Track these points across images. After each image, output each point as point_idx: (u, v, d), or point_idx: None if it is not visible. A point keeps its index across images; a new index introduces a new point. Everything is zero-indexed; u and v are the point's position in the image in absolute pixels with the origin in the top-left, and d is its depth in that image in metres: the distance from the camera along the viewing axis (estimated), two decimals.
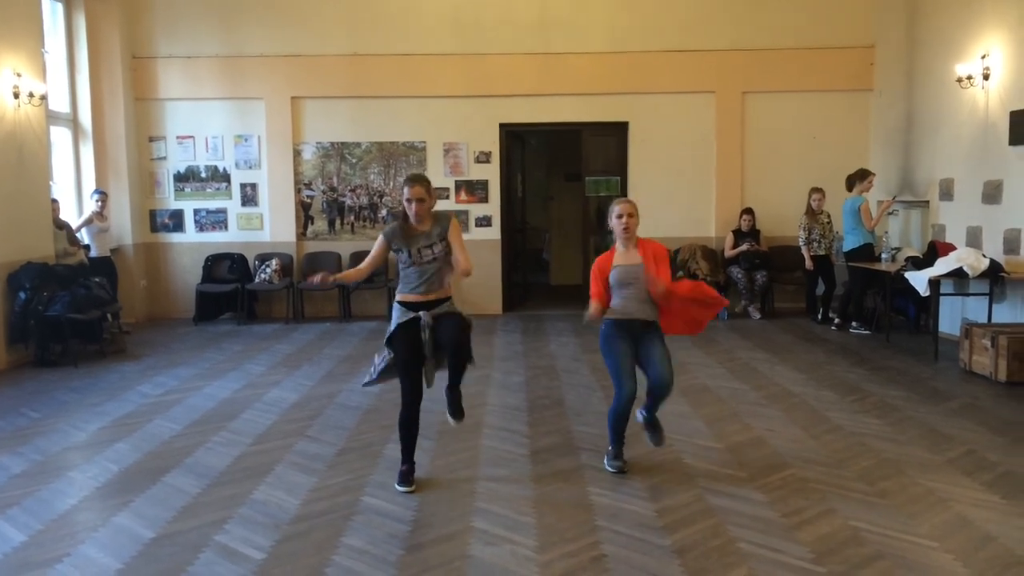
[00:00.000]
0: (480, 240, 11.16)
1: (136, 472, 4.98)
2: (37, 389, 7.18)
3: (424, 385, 4.69)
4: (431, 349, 4.64)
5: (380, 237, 4.70)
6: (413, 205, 4.57)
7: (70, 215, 9.89)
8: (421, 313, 4.61)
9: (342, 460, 5.12)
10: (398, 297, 4.74)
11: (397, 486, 4.58)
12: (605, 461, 4.89)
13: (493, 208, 11.19)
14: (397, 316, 4.70)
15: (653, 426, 4.93)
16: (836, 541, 3.84)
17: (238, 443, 5.52)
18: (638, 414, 4.94)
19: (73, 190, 10.31)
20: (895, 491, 4.48)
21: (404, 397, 4.62)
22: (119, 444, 5.54)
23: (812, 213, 10.01)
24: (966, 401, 6.36)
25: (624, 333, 4.76)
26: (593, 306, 4.73)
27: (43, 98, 8.95)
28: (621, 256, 4.81)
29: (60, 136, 10.11)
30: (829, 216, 10.08)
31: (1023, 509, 4.20)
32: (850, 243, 9.43)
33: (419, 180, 4.64)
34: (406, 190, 4.59)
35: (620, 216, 4.79)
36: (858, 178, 9.49)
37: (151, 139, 11.05)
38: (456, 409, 4.80)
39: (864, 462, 4.95)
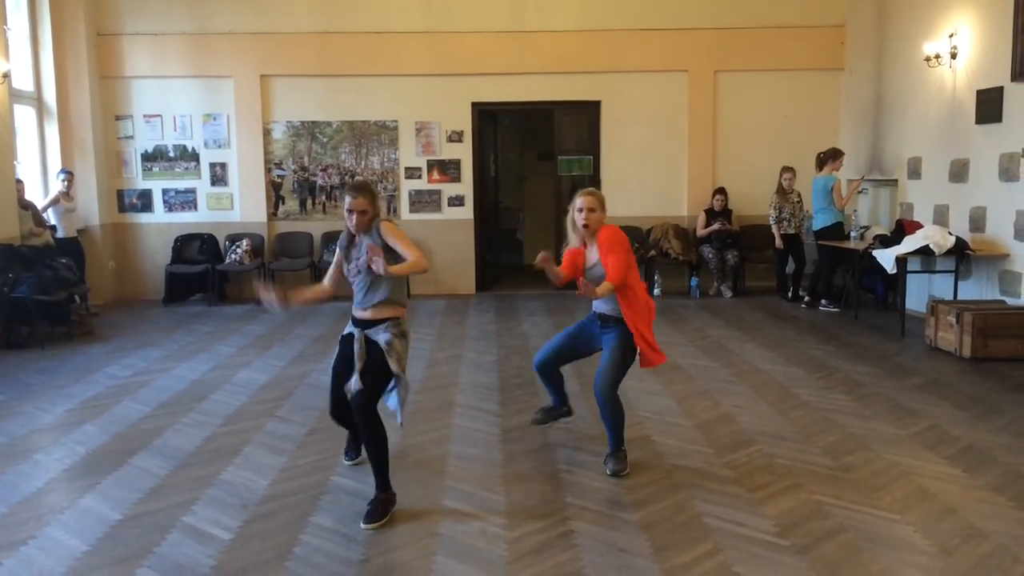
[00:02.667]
0: (453, 220, 11.13)
1: (103, 454, 4.94)
2: (3, 371, 7.08)
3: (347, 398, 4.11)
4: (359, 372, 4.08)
5: (337, 248, 4.30)
6: (354, 217, 4.07)
7: (35, 195, 9.72)
8: (355, 330, 4.17)
9: (312, 440, 5.11)
10: None
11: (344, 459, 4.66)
12: None
13: (466, 188, 11.15)
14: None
15: (612, 456, 4.53)
16: (800, 515, 3.90)
17: (207, 424, 5.49)
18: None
19: (38, 170, 10.14)
20: (859, 465, 4.54)
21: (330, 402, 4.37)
22: (86, 426, 5.49)
23: (783, 192, 10.07)
24: (931, 377, 6.46)
25: (587, 323, 4.71)
26: (551, 266, 4.37)
27: (6, 76, 8.78)
28: (590, 253, 4.57)
29: (24, 115, 9.92)
30: (799, 195, 10.14)
31: (983, 482, 4.29)
32: (821, 222, 9.50)
33: (361, 190, 4.10)
34: (347, 199, 4.07)
35: (580, 209, 4.52)
36: (830, 157, 9.53)
37: (118, 118, 10.88)
38: (369, 512, 3.93)
39: (830, 437, 5.02)
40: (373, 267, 3.85)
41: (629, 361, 4.57)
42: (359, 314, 4.16)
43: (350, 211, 4.07)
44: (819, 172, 9.59)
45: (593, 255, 4.56)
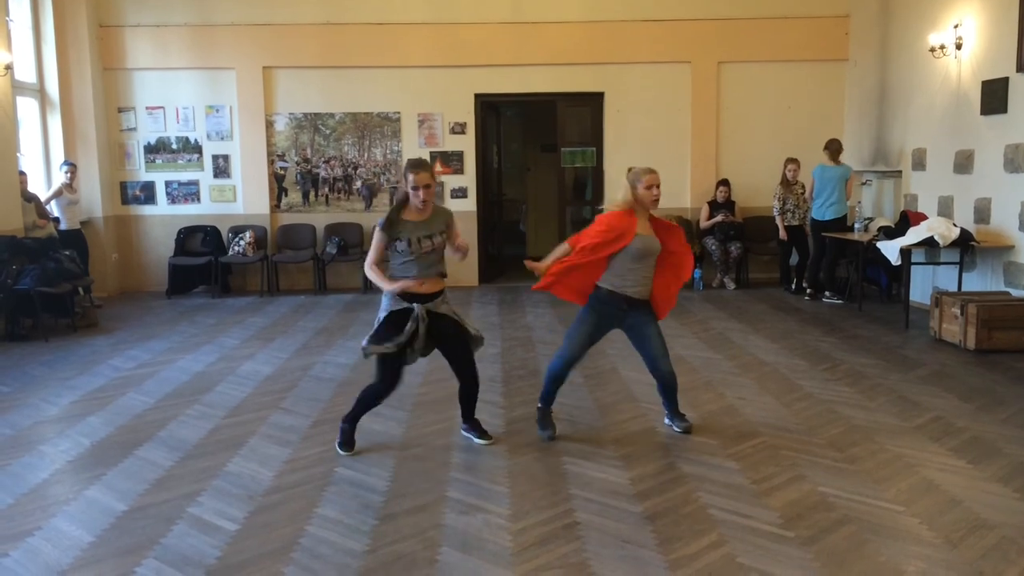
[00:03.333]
0: (456, 212, 10.94)
1: (108, 445, 4.95)
2: (7, 363, 7.09)
3: (401, 377, 4.65)
4: (423, 345, 4.54)
5: (377, 232, 4.51)
6: (420, 192, 4.40)
7: (38, 187, 9.73)
8: (415, 305, 4.48)
9: (316, 432, 5.12)
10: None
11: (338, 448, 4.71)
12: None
13: (469, 179, 11.14)
14: (387, 305, 4.53)
15: (679, 415, 5.01)
16: (805, 506, 3.90)
17: (212, 416, 5.50)
18: (666, 421, 5.06)
19: (41, 162, 10.14)
20: (864, 457, 4.54)
21: (378, 384, 4.60)
22: (91, 418, 5.50)
23: (787, 183, 10.04)
24: (935, 369, 6.45)
25: (605, 309, 4.78)
26: (553, 259, 4.79)
27: (8, 68, 8.77)
28: (643, 226, 4.74)
29: (27, 107, 9.92)
30: (803, 186, 10.12)
31: (988, 474, 4.28)
32: (833, 212, 9.43)
33: (425, 166, 4.46)
34: (411, 177, 4.38)
35: (654, 186, 4.72)
36: (841, 148, 9.54)
37: (120, 110, 10.87)
38: (482, 431, 4.86)
39: (834, 429, 5.02)
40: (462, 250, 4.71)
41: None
42: (418, 289, 4.49)
43: (415, 187, 4.38)
44: (832, 162, 9.54)
45: (645, 227, 4.74)
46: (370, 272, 4.57)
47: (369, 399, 4.67)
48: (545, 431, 4.93)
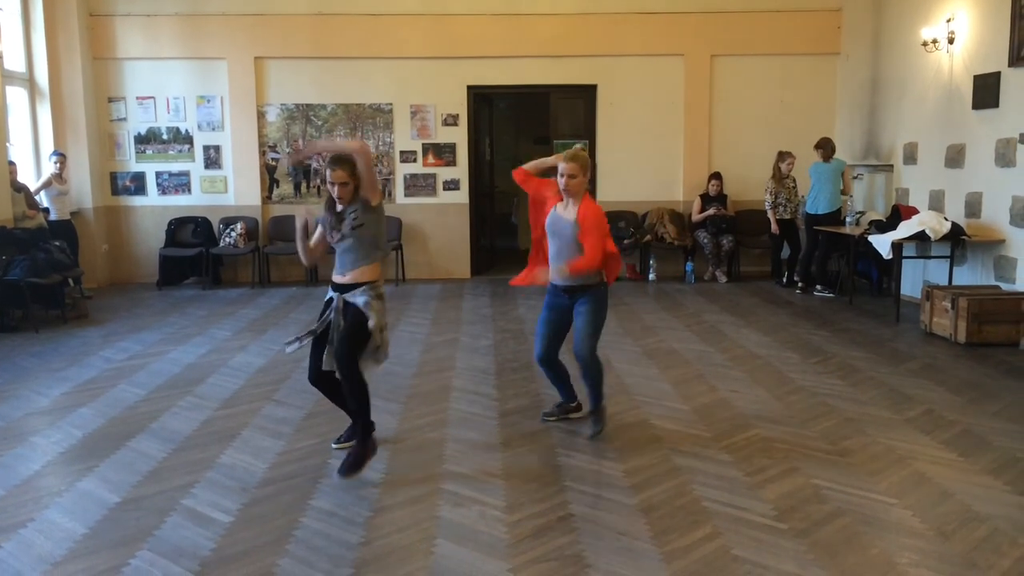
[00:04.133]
0: (448, 204, 11.11)
1: (100, 437, 4.93)
2: None
3: (322, 365, 4.42)
4: (336, 335, 4.34)
5: (319, 224, 4.50)
6: (336, 189, 4.26)
7: (28, 178, 9.66)
8: (334, 295, 4.39)
9: (309, 424, 5.11)
10: None
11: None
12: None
13: (461, 172, 11.11)
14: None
15: (593, 413, 4.87)
16: (798, 499, 3.92)
17: (204, 408, 5.48)
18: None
19: (31, 152, 10.07)
20: (856, 450, 4.57)
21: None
22: (83, 409, 5.47)
23: (779, 177, 10.06)
24: (926, 362, 6.48)
25: (554, 300, 4.81)
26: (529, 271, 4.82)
27: None
28: (567, 207, 4.70)
29: (16, 96, 9.84)
30: (795, 180, 10.14)
31: (980, 466, 4.31)
32: (826, 206, 9.45)
33: (342, 163, 4.23)
34: (328, 173, 4.25)
35: (562, 175, 4.62)
36: (831, 145, 9.58)
37: (110, 99, 10.80)
38: (347, 463, 4.19)
39: (826, 422, 5.04)
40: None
41: (603, 320, 4.78)
42: (339, 279, 4.38)
43: (331, 183, 4.25)
44: (822, 159, 9.56)
45: (571, 214, 4.66)
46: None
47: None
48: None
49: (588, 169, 4.68)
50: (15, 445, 4.81)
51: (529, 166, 4.89)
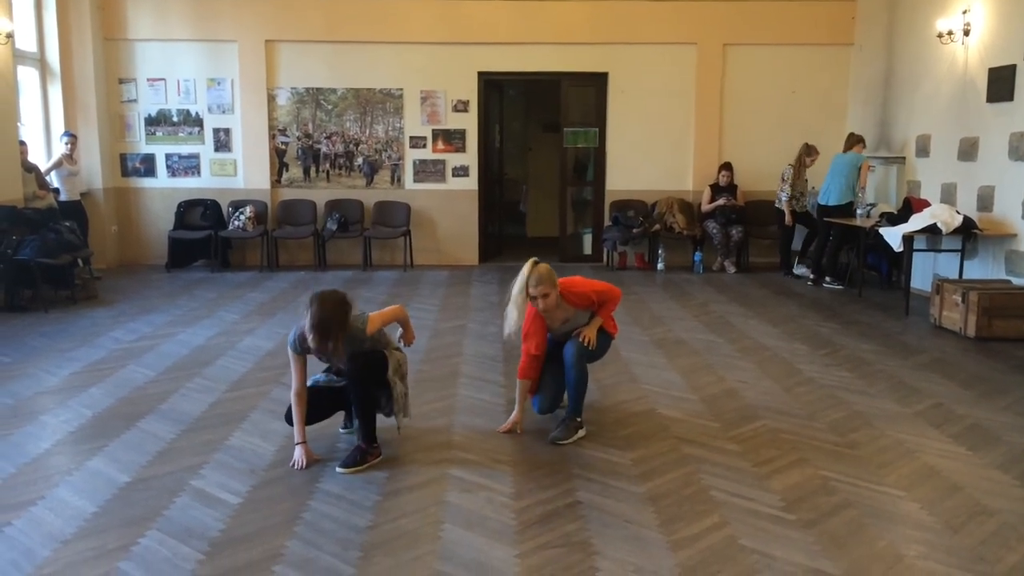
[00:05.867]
0: (457, 190, 11.09)
1: (110, 417, 4.95)
2: (7, 334, 7.08)
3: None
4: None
5: (289, 350, 4.18)
6: (329, 344, 4.00)
7: (39, 158, 9.67)
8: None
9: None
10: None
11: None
12: None
13: (470, 158, 11.09)
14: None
15: (565, 421, 4.64)
16: (806, 490, 3.91)
17: (213, 390, 5.50)
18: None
19: (41, 132, 10.08)
20: (864, 442, 4.56)
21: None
22: (92, 389, 5.49)
23: (800, 169, 10.02)
24: (935, 355, 6.46)
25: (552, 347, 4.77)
26: (517, 406, 4.71)
27: (9, 36, 8.70)
28: (556, 319, 4.63)
29: (27, 76, 9.84)
30: (808, 177, 10.13)
31: (988, 460, 4.30)
32: (838, 198, 9.41)
33: (324, 332, 3.91)
34: (309, 337, 3.96)
35: (535, 298, 4.44)
36: (860, 141, 9.52)
37: (121, 81, 10.79)
38: (347, 458, 4.18)
39: (835, 414, 5.03)
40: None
41: (601, 351, 4.77)
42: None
43: (319, 351, 4.05)
44: (845, 151, 9.54)
45: (562, 314, 4.61)
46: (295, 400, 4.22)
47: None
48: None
49: (556, 281, 4.49)
50: (25, 424, 4.84)
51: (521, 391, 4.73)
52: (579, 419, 4.64)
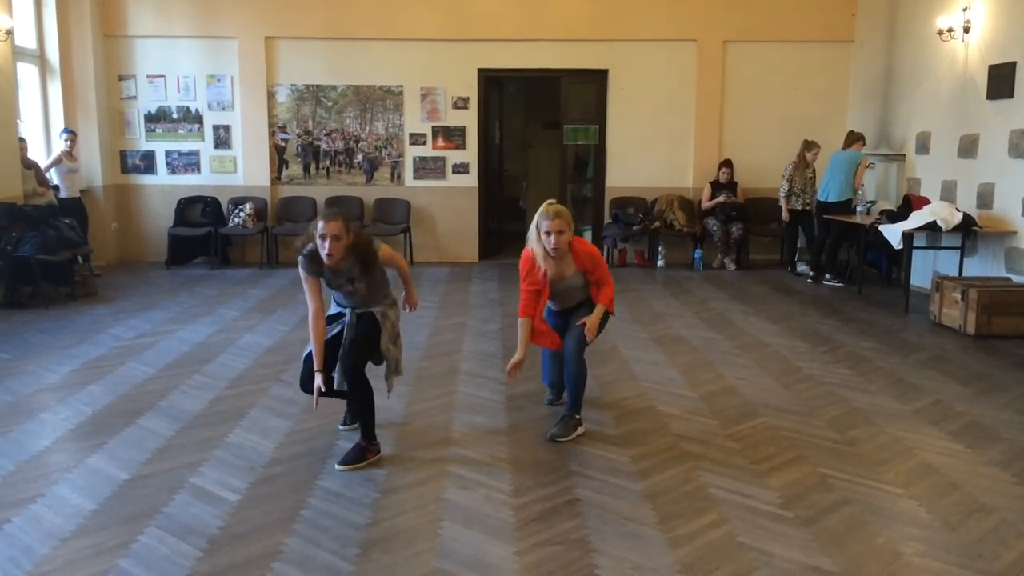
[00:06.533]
0: (457, 187, 11.08)
1: (109, 414, 4.95)
2: (7, 331, 7.08)
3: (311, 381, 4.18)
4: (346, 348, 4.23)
5: (302, 272, 4.14)
6: (327, 243, 3.96)
7: (38, 155, 9.67)
8: (344, 309, 4.30)
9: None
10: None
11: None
12: None
13: (470, 155, 11.08)
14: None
15: (564, 419, 4.60)
16: (804, 487, 3.92)
17: (212, 387, 5.50)
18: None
19: (41, 129, 10.08)
20: (863, 439, 4.56)
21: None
22: (92, 386, 5.50)
23: (801, 166, 10.01)
24: (935, 353, 6.47)
25: (553, 322, 4.77)
26: (520, 346, 4.54)
27: (9, 33, 8.70)
28: (555, 268, 4.51)
29: (27, 73, 9.84)
30: (815, 172, 10.11)
31: (987, 458, 4.30)
32: (836, 194, 9.41)
33: (336, 215, 4.00)
34: (320, 224, 3.97)
35: (548, 233, 4.35)
36: (860, 139, 9.52)
37: (120, 78, 10.79)
38: (347, 455, 4.18)
39: (834, 411, 5.03)
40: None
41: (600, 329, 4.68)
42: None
43: (322, 236, 3.96)
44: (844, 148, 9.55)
45: (567, 267, 4.54)
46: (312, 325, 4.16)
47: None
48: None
49: (571, 223, 4.44)
50: (24, 421, 4.84)
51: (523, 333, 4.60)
52: (578, 416, 4.63)
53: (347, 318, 4.25)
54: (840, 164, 9.45)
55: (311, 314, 4.16)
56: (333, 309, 4.39)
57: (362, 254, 4.09)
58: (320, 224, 3.97)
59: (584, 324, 4.54)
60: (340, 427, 4.68)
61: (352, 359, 4.17)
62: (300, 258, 4.13)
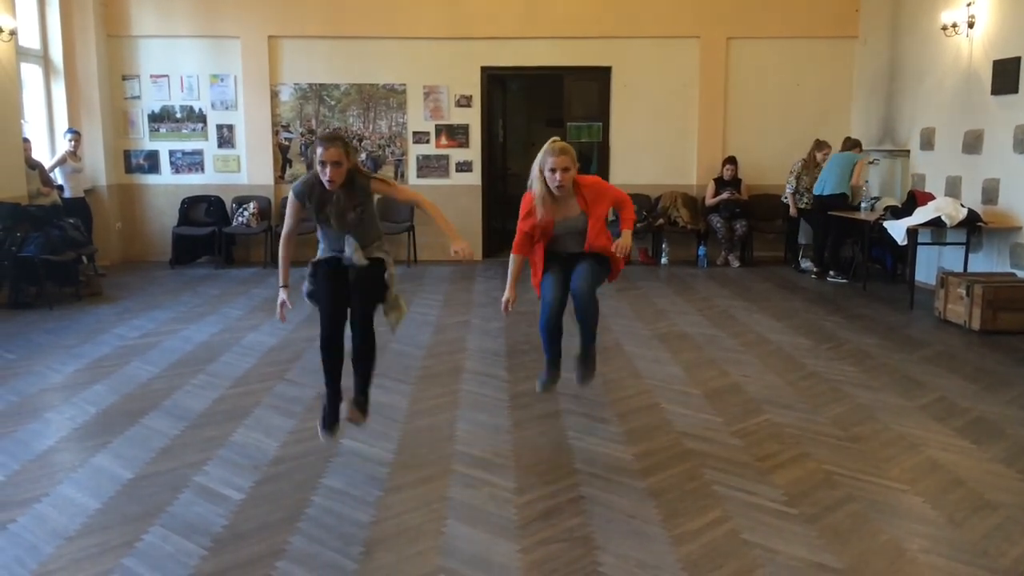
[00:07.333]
0: (460, 186, 11.08)
1: (114, 414, 4.96)
2: (12, 331, 7.10)
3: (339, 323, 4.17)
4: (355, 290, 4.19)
5: (291, 195, 4.16)
6: (328, 169, 3.95)
7: (42, 155, 9.69)
8: (341, 255, 4.18)
9: (321, 403, 5.11)
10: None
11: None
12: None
13: (474, 153, 11.08)
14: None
15: (583, 360, 4.63)
16: (809, 484, 3.91)
17: (216, 386, 5.51)
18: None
19: (45, 129, 10.10)
20: (868, 436, 4.55)
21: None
22: (96, 386, 5.51)
23: (811, 165, 9.99)
24: (940, 349, 6.45)
25: (556, 261, 4.59)
26: (509, 284, 4.57)
27: (13, 33, 8.71)
28: (558, 209, 4.39)
29: (31, 73, 9.86)
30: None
31: (992, 454, 4.29)
32: (831, 188, 9.41)
33: (332, 140, 3.98)
34: (319, 150, 3.96)
35: (553, 170, 4.23)
36: (856, 146, 9.53)
37: (124, 77, 10.81)
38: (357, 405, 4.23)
39: (838, 408, 5.02)
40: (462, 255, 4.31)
41: (605, 276, 4.64)
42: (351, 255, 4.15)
43: (323, 163, 3.96)
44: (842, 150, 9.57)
45: (572, 207, 4.41)
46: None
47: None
48: (539, 380, 4.78)
49: (575, 160, 4.32)
50: (29, 420, 4.85)
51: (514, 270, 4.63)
52: (594, 345, 4.61)
53: (348, 253, 4.10)
54: (838, 160, 9.50)
55: (284, 234, 4.27)
56: (326, 254, 4.25)
57: (362, 186, 4.11)
58: (319, 150, 3.97)
59: (616, 247, 4.38)
60: (322, 434, 4.22)
61: (366, 304, 4.16)
62: (296, 183, 4.19)
